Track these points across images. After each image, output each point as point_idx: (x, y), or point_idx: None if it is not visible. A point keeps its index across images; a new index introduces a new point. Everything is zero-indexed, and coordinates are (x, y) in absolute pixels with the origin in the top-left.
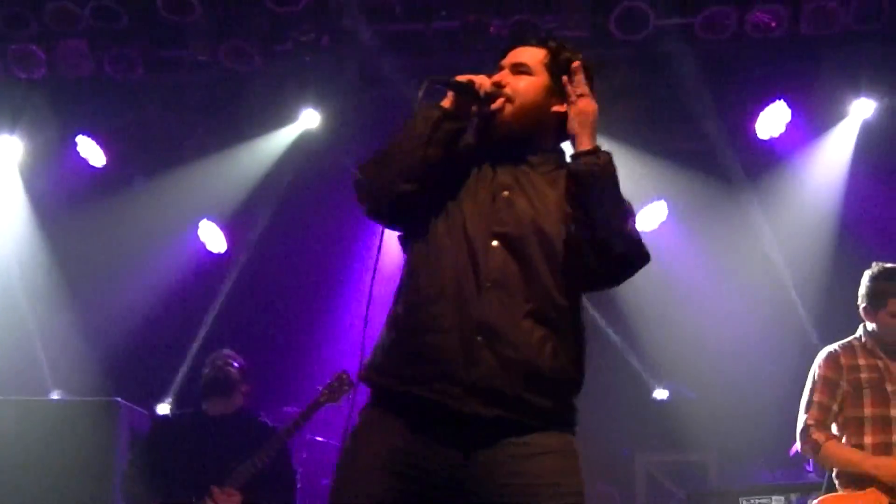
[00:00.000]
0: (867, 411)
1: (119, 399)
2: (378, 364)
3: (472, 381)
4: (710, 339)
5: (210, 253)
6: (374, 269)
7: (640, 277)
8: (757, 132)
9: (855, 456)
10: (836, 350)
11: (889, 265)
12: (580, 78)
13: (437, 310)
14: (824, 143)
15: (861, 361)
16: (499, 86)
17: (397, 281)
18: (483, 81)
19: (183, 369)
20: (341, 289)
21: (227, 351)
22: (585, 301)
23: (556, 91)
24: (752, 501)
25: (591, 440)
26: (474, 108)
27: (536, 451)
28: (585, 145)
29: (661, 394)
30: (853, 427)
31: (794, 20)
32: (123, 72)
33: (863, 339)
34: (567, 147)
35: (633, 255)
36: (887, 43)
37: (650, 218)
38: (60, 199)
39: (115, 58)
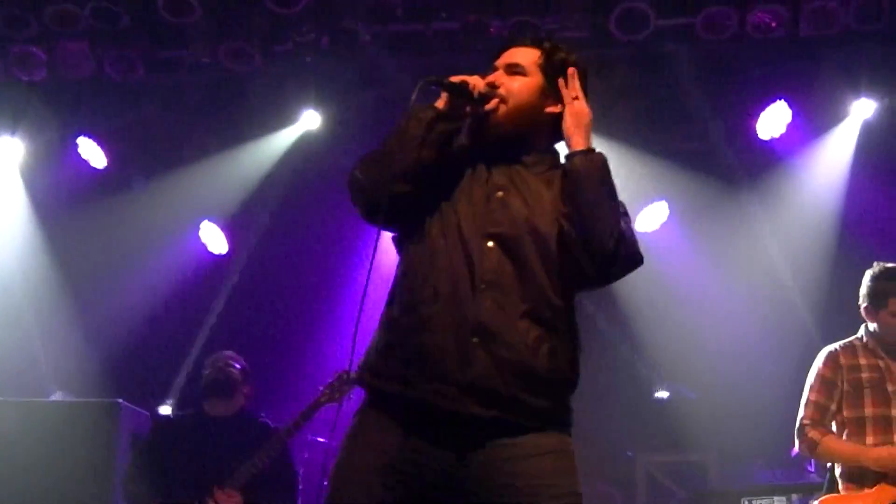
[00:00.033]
0: (868, 411)
1: (120, 400)
2: (372, 365)
3: (468, 381)
4: (711, 339)
5: (211, 254)
6: (370, 271)
7: (642, 278)
8: (757, 132)
9: (854, 450)
10: (836, 349)
11: (890, 265)
12: (575, 83)
13: (432, 311)
14: (825, 143)
15: (862, 361)
16: (493, 86)
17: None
18: (477, 82)
19: (184, 370)
20: (342, 289)
21: (228, 352)
22: (586, 301)
23: (550, 92)
24: (754, 502)
25: (593, 440)
26: (468, 109)
27: (534, 452)
28: (580, 145)
29: (662, 394)
30: (854, 427)
31: (795, 20)
32: (124, 73)
33: (864, 339)
34: (561, 147)
35: (626, 254)
36: (887, 43)
37: (651, 218)
38: (61, 200)
39: (115, 59)
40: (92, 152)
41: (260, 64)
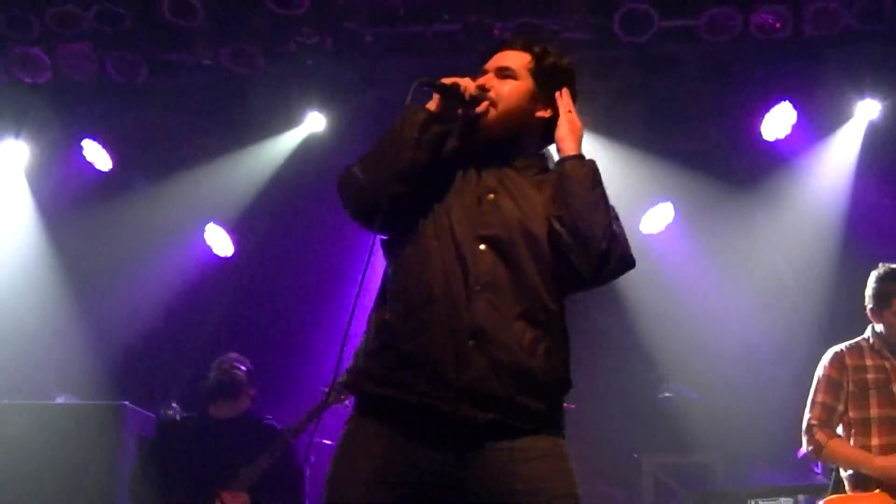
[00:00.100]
0: (873, 412)
1: (126, 402)
2: (363, 369)
3: (465, 384)
4: (716, 340)
5: (216, 256)
6: (363, 276)
7: (647, 279)
8: (762, 133)
9: (858, 456)
10: (841, 350)
11: (895, 266)
12: (568, 99)
13: (427, 314)
14: (830, 144)
15: (868, 362)
16: (483, 89)
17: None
18: (468, 84)
19: (189, 373)
20: (348, 291)
21: (233, 354)
22: (592, 303)
23: (540, 96)
24: (760, 502)
25: (598, 442)
26: (460, 112)
27: (533, 454)
28: (573, 150)
29: (667, 394)
30: (859, 428)
31: (798, 21)
32: (127, 75)
33: (870, 340)
34: (551, 151)
35: (619, 254)
36: (891, 43)
37: (656, 220)
38: (66, 202)
39: (118, 61)
40: (96, 154)
41: (262, 66)
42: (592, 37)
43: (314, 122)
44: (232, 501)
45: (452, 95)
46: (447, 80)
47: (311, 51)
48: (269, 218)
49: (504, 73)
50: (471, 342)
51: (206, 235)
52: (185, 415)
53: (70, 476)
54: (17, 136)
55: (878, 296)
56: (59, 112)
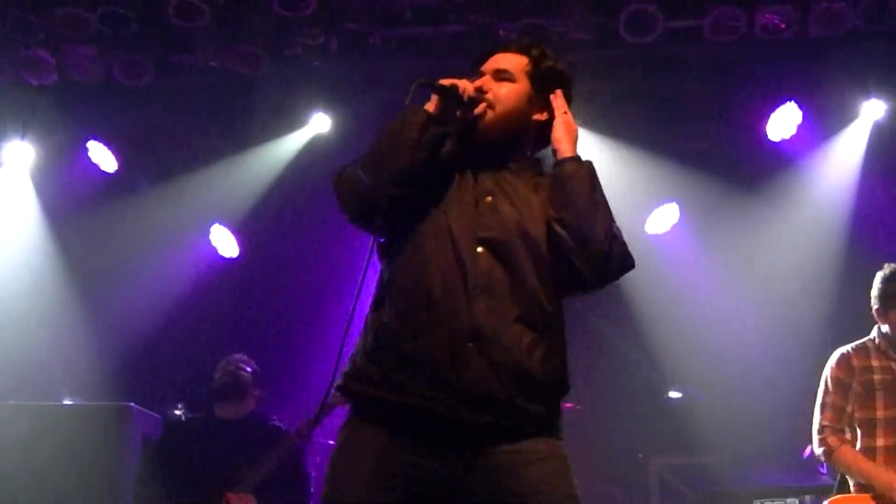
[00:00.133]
0: (879, 413)
1: (131, 404)
2: (360, 371)
3: (463, 386)
4: (721, 341)
5: (222, 257)
6: (363, 276)
7: (652, 279)
8: (767, 134)
9: (866, 467)
10: (848, 351)
11: None
12: (562, 101)
13: (427, 315)
14: (835, 144)
15: (874, 363)
16: (481, 91)
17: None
18: (466, 86)
19: (195, 374)
20: (353, 292)
21: (238, 355)
22: (596, 304)
23: (537, 100)
24: (766, 503)
25: (604, 443)
26: (458, 113)
27: (534, 457)
28: (570, 152)
29: (673, 395)
30: (865, 429)
31: (803, 21)
32: (133, 77)
33: (876, 341)
34: (546, 154)
35: (620, 255)
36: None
37: (662, 220)
38: (72, 203)
39: (124, 63)
40: (102, 156)
41: (268, 67)
42: (596, 37)
43: (319, 124)
44: (238, 503)
45: (451, 97)
46: (445, 82)
47: (317, 52)
48: (275, 219)
49: (501, 75)
50: (470, 344)
51: (211, 236)
52: (190, 416)
53: (76, 477)
54: (22, 137)
55: (883, 296)
56: (64, 114)
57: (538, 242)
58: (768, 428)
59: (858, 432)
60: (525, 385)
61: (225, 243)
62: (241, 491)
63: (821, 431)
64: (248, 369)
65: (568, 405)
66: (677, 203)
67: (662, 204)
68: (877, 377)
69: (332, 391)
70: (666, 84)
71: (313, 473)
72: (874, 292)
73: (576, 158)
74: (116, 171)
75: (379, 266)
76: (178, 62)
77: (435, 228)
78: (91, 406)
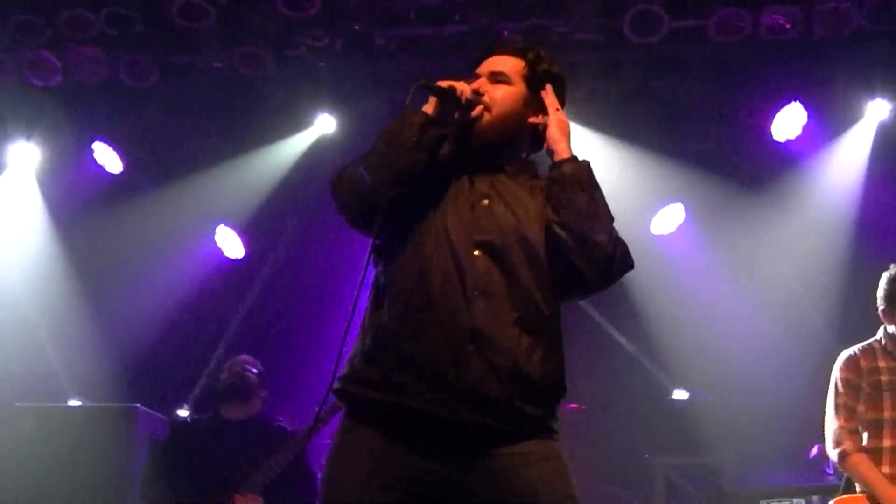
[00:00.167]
0: (886, 414)
1: (137, 405)
2: (359, 373)
3: (463, 388)
4: (727, 342)
5: (227, 258)
6: (363, 277)
7: (657, 280)
8: (772, 134)
9: (875, 482)
10: (855, 353)
11: None
12: (553, 96)
13: (426, 316)
14: (840, 144)
15: (881, 364)
16: (478, 93)
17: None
18: (463, 88)
19: (201, 374)
20: (359, 293)
21: (244, 356)
22: (599, 305)
23: (533, 102)
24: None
25: (609, 444)
26: (456, 115)
27: (533, 459)
28: (566, 153)
29: (678, 395)
30: (872, 429)
31: (808, 21)
32: (138, 78)
33: (883, 342)
34: (540, 157)
35: (621, 255)
36: None
37: (667, 220)
38: (77, 204)
39: (129, 64)
40: (107, 157)
41: (273, 68)
42: (601, 38)
43: (324, 124)
44: None
45: (449, 98)
46: (443, 84)
47: (322, 53)
48: (280, 220)
49: (497, 77)
50: (470, 346)
51: (216, 237)
52: (196, 417)
53: (83, 478)
54: (28, 138)
55: (889, 297)
56: (69, 115)
57: (535, 245)
58: (774, 428)
59: (865, 433)
60: (524, 387)
61: (230, 244)
62: (247, 492)
63: (837, 433)
64: (255, 370)
65: (574, 405)
66: (683, 204)
67: (668, 204)
68: (884, 378)
69: (326, 394)
70: (670, 84)
71: (320, 474)
72: (880, 293)
73: (573, 159)
74: (122, 173)
75: (375, 268)
76: (184, 63)
77: (433, 230)
78: (97, 407)
